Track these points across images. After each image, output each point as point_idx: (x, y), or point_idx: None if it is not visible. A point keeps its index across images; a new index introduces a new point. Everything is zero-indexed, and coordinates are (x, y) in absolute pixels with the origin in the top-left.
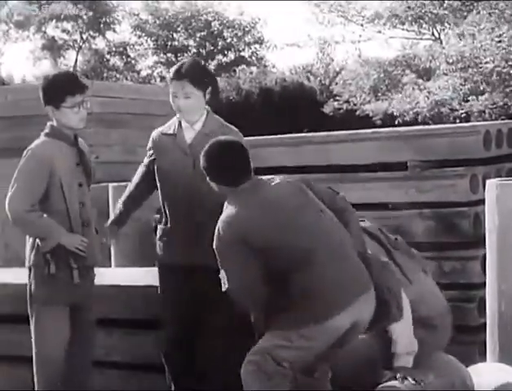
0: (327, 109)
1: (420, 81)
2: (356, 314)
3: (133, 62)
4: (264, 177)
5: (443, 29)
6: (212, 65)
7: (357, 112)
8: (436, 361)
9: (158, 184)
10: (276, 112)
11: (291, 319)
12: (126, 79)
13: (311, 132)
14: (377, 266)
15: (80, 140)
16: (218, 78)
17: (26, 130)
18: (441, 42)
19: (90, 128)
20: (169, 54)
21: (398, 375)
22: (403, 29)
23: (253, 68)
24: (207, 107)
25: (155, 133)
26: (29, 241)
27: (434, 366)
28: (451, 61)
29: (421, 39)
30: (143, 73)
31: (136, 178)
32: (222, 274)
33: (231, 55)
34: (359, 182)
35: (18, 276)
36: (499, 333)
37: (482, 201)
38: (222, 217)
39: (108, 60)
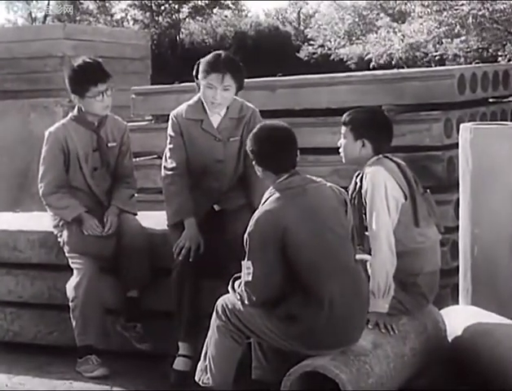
0: (302, 54)
1: (394, 24)
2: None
3: (107, 5)
4: (308, 176)
5: None
6: (187, 8)
7: (332, 57)
8: None
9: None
10: (251, 55)
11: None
12: (100, 22)
13: (285, 76)
14: None
15: (111, 122)
16: (193, 22)
17: None
18: None
19: (64, 71)
20: None
21: (370, 321)
22: None
23: (228, 12)
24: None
25: (178, 117)
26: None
27: None
28: (426, 4)
29: None
30: (117, 16)
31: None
32: (248, 265)
33: None
34: (333, 126)
35: None
36: (471, 276)
37: (456, 145)
38: (263, 208)
39: (81, 3)
